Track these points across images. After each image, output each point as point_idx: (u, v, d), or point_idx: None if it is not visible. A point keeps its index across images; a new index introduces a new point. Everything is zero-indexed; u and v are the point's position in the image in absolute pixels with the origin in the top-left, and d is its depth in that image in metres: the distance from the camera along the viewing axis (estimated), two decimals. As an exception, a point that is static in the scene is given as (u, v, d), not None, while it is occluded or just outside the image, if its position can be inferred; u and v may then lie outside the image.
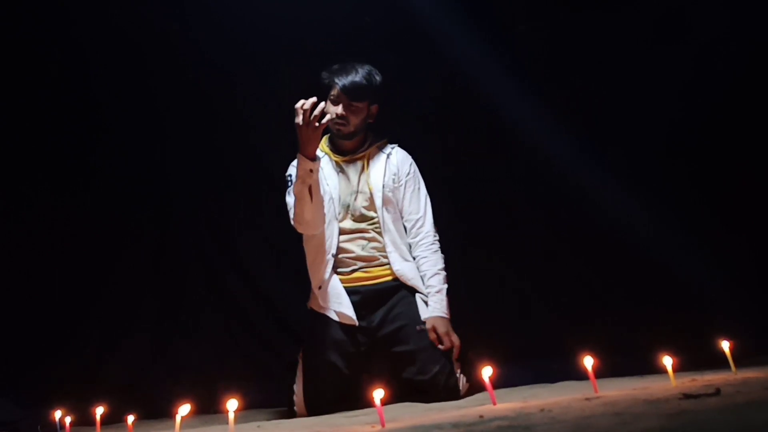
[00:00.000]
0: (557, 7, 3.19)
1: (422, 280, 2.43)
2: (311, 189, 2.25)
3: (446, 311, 2.37)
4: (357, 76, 2.40)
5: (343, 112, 2.40)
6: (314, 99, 2.18)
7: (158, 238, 3.35)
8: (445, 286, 2.41)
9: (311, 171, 2.22)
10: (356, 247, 2.44)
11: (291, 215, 2.38)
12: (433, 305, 2.37)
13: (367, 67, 2.45)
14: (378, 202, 2.44)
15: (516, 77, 3.14)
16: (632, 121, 3.06)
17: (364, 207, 2.46)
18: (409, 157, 2.57)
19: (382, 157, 2.51)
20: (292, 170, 2.43)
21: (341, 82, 2.39)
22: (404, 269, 2.42)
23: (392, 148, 2.55)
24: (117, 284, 3.23)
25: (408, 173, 2.52)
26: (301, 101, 2.18)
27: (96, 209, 3.25)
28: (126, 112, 3.32)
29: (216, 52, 3.30)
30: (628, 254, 2.96)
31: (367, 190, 2.46)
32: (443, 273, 2.43)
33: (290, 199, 2.38)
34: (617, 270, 2.98)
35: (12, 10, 3.18)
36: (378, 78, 2.46)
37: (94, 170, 3.33)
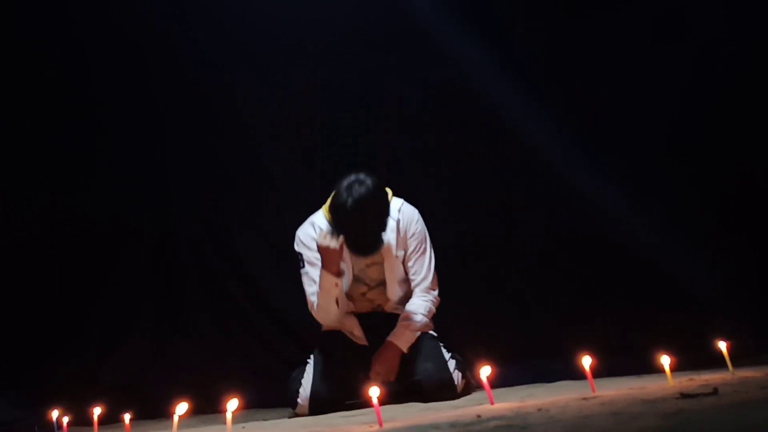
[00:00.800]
0: (557, 8, 3.19)
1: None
2: (337, 299, 2.30)
3: (402, 343, 2.32)
4: (365, 237, 2.21)
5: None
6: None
7: (158, 238, 3.35)
8: (413, 323, 2.34)
9: (336, 284, 2.26)
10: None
11: (312, 305, 2.37)
12: (395, 330, 2.34)
13: (372, 205, 2.19)
14: (389, 275, 2.41)
15: (516, 77, 3.14)
16: (632, 121, 3.06)
17: (379, 277, 2.43)
18: (416, 213, 2.48)
19: (392, 224, 2.40)
20: (302, 249, 2.40)
21: (352, 248, 2.23)
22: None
23: (399, 211, 2.43)
24: (117, 284, 3.23)
25: (414, 233, 2.43)
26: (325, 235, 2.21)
27: (96, 209, 3.26)
28: (126, 112, 3.32)
29: (216, 52, 3.31)
30: (628, 254, 2.95)
31: (380, 259, 2.40)
32: (420, 315, 2.35)
33: (309, 289, 2.37)
34: (616, 270, 2.97)
35: (12, 10, 3.19)
36: (384, 203, 2.27)
37: (94, 170, 3.33)
